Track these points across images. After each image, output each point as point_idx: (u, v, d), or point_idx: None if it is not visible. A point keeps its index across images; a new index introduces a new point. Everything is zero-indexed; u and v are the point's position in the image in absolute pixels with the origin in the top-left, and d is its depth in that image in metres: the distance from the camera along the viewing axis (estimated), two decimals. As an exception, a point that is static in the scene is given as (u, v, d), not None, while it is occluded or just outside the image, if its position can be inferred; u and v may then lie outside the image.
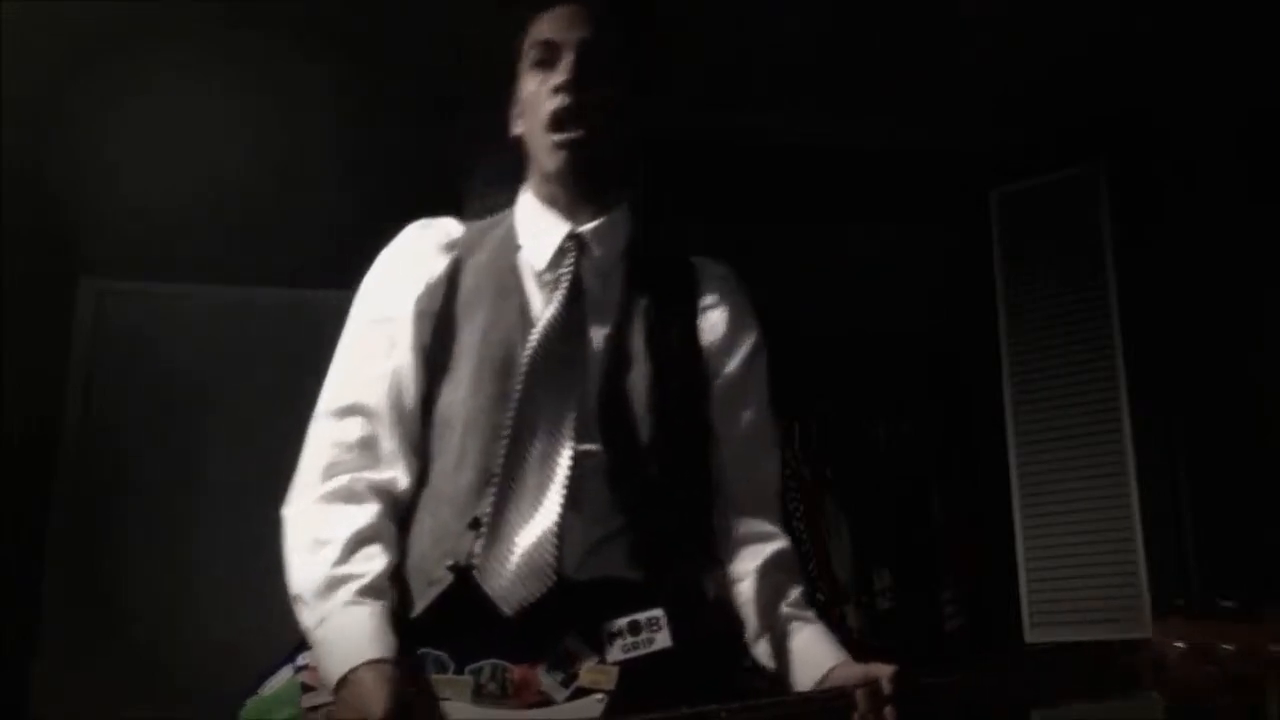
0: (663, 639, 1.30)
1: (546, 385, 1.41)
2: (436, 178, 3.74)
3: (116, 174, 3.58)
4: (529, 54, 1.51)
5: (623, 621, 1.30)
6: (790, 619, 1.44)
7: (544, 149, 1.49)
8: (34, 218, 3.58)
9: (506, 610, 1.30)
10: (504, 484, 1.37)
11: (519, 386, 1.40)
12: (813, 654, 1.39)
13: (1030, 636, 3.35)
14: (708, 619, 1.40)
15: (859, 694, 1.26)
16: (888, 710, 1.25)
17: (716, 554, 1.47)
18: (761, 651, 1.43)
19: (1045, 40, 3.19)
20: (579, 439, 1.39)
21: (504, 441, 1.39)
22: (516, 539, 1.34)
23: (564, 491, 1.36)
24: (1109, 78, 3.29)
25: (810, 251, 3.97)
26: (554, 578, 1.32)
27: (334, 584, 1.33)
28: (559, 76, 1.46)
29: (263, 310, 3.96)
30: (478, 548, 1.35)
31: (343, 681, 1.27)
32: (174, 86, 3.36)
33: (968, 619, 3.92)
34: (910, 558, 4.01)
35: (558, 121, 1.46)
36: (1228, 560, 3.15)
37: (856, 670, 1.32)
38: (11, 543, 3.51)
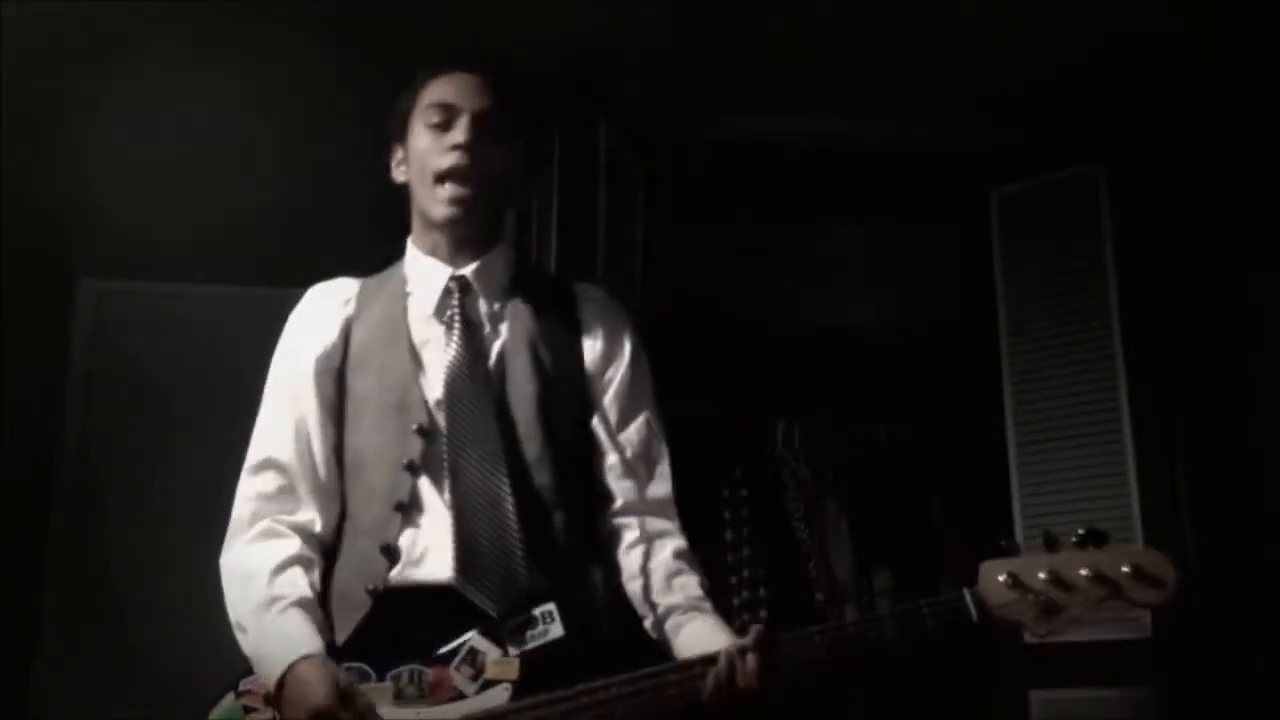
0: (555, 629, 1.43)
1: (464, 417, 1.55)
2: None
3: (116, 174, 3.58)
4: (426, 112, 1.66)
5: (520, 617, 1.44)
6: (683, 609, 1.55)
7: (432, 200, 1.63)
8: (34, 218, 3.58)
9: (492, 612, 1.45)
10: (459, 506, 1.50)
11: (445, 423, 1.55)
12: (702, 642, 1.48)
13: (1030, 636, 3.35)
14: (600, 611, 1.54)
15: (723, 652, 1.37)
16: (750, 657, 1.35)
17: (607, 553, 1.60)
18: (658, 639, 1.56)
19: (1045, 40, 3.19)
20: (488, 458, 1.53)
21: (409, 475, 1.54)
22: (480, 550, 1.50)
23: (455, 505, 1.51)
24: (1109, 78, 3.28)
25: (810, 251, 3.98)
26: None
27: (265, 604, 1.49)
28: (455, 137, 1.61)
29: (263, 310, 3.95)
30: (394, 573, 1.50)
31: (282, 680, 1.41)
32: (174, 87, 3.36)
33: (968, 619, 3.91)
34: (910, 558, 4.01)
35: (450, 177, 1.61)
36: (1228, 560, 3.15)
37: (734, 644, 1.42)
38: (11, 543, 3.51)
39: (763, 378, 3.96)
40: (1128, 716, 3.10)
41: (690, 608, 1.55)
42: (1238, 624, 3.01)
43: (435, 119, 1.64)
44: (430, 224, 1.66)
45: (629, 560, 1.59)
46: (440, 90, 1.66)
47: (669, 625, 1.54)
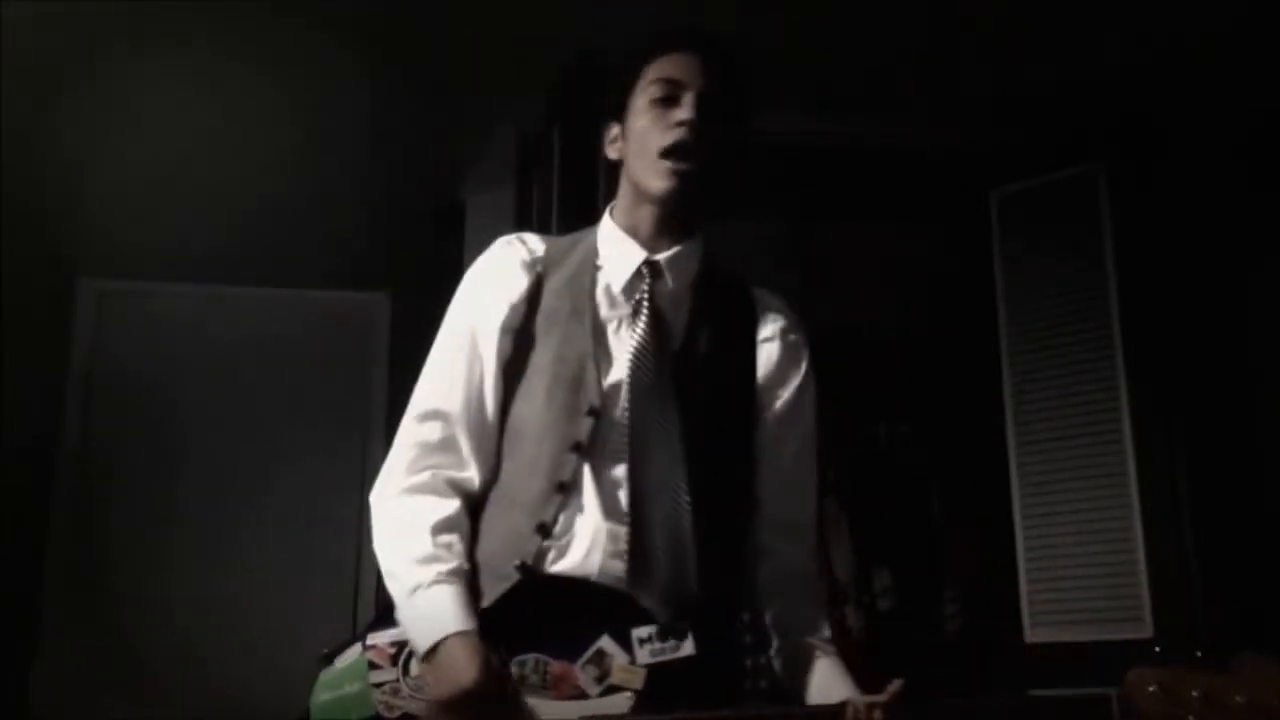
0: (687, 647, 1.41)
1: (649, 409, 1.53)
2: (436, 180, 3.75)
3: (117, 174, 3.58)
4: (649, 89, 1.64)
5: (653, 628, 1.42)
6: (810, 648, 1.55)
7: (655, 172, 1.60)
8: (34, 218, 3.58)
9: (660, 616, 1.43)
10: (636, 501, 1.49)
11: (626, 407, 1.52)
12: (826, 687, 1.49)
13: (1030, 637, 3.35)
14: (732, 633, 1.52)
15: (850, 704, 1.35)
16: (877, 713, 1.32)
17: (749, 573, 1.58)
18: (780, 669, 1.56)
19: (1045, 40, 3.19)
20: (671, 455, 1.51)
21: (575, 457, 1.51)
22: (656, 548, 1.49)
23: (632, 500, 1.50)
24: (1109, 78, 3.29)
25: (810, 251, 3.97)
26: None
27: (425, 561, 1.47)
28: (682, 113, 1.59)
29: (263, 310, 3.96)
30: (546, 550, 1.48)
31: (433, 650, 1.41)
32: (174, 87, 3.36)
33: (968, 619, 3.91)
34: (910, 558, 4.00)
35: (674, 152, 1.58)
36: (1228, 560, 3.15)
37: (862, 698, 1.39)
38: (11, 543, 3.51)
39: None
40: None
41: (816, 646, 1.55)
42: (1237, 624, 3.02)
43: (660, 94, 1.63)
44: (643, 198, 1.63)
45: (763, 582, 1.58)
46: (666, 67, 1.65)
47: (793, 658, 1.55)
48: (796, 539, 1.61)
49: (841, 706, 1.35)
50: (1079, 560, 3.31)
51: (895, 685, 1.36)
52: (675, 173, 1.58)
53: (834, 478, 4.02)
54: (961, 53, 3.26)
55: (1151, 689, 1.31)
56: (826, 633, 1.57)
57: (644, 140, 1.62)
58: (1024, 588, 3.40)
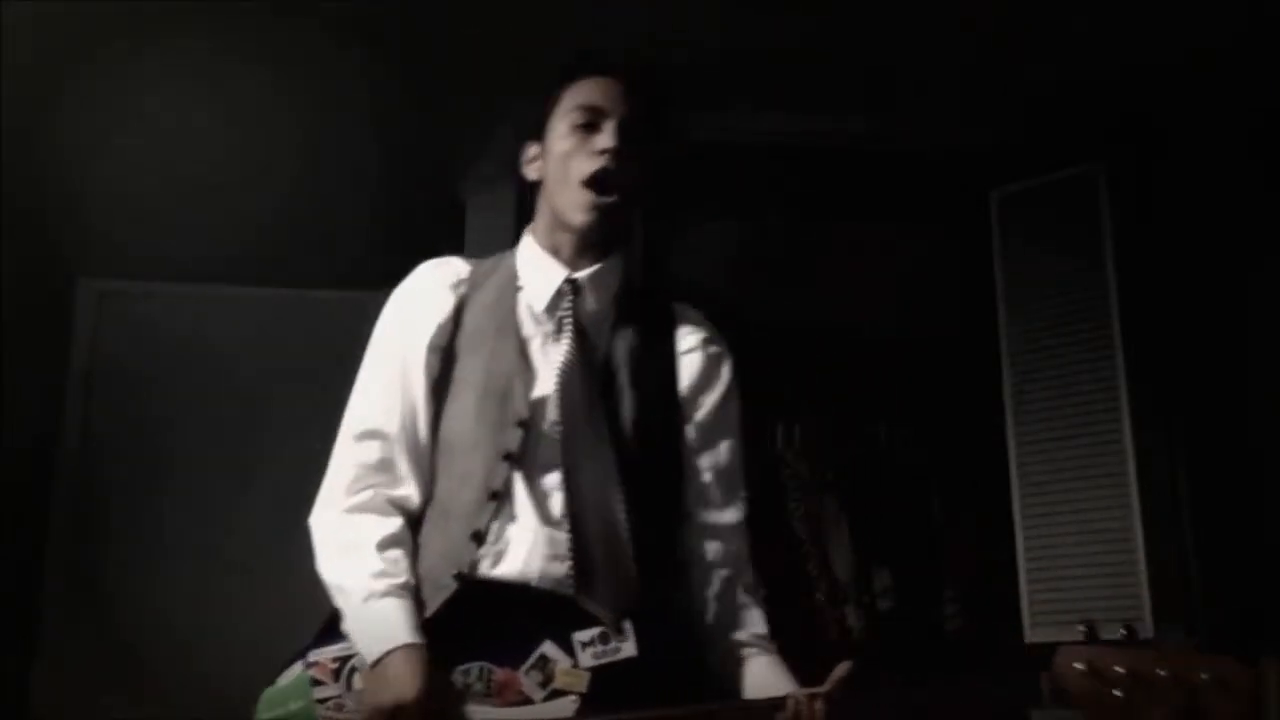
0: (629, 648, 1.44)
1: (580, 422, 1.57)
2: (437, 180, 3.75)
3: (117, 174, 3.58)
4: (570, 113, 1.67)
5: (594, 631, 1.45)
6: (747, 646, 1.58)
7: (574, 204, 1.64)
8: (34, 218, 3.58)
9: (607, 621, 1.46)
10: (574, 510, 1.52)
11: (558, 421, 1.56)
12: (764, 682, 1.52)
13: (1030, 636, 3.35)
14: (672, 634, 1.53)
15: (792, 696, 1.38)
16: (818, 705, 1.34)
17: (683, 575, 1.61)
18: (719, 668, 1.58)
19: (1046, 41, 3.19)
20: (603, 465, 1.55)
21: (507, 466, 1.54)
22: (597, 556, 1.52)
23: (570, 510, 1.53)
24: (1109, 78, 3.29)
25: (810, 252, 3.97)
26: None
27: (374, 575, 1.50)
28: (604, 141, 1.62)
29: (263, 310, 3.96)
30: (482, 558, 1.51)
31: (378, 663, 1.44)
32: (175, 87, 3.36)
33: (968, 619, 3.92)
34: (910, 558, 4.00)
35: (596, 182, 1.62)
36: (1228, 560, 3.16)
37: (802, 691, 1.42)
38: (11, 543, 3.51)
39: (763, 378, 3.96)
40: None
41: (753, 645, 1.58)
42: (1237, 624, 3.02)
43: (580, 120, 1.65)
44: (563, 226, 1.67)
45: (699, 585, 1.60)
46: (586, 92, 1.67)
47: (732, 659, 1.57)
48: (726, 544, 1.63)
49: (782, 700, 1.37)
50: (1079, 560, 3.31)
51: (839, 671, 1.38)
52: (596, 206, 1.61)
53: (833, 478, 4.03)
54: (961, 53, 3.26)
55: (1079, 666, 1.33)
56: (762, 629, 1.59)
57: (564, 165, 1.64)
58: (1024, 588, 3.40)
